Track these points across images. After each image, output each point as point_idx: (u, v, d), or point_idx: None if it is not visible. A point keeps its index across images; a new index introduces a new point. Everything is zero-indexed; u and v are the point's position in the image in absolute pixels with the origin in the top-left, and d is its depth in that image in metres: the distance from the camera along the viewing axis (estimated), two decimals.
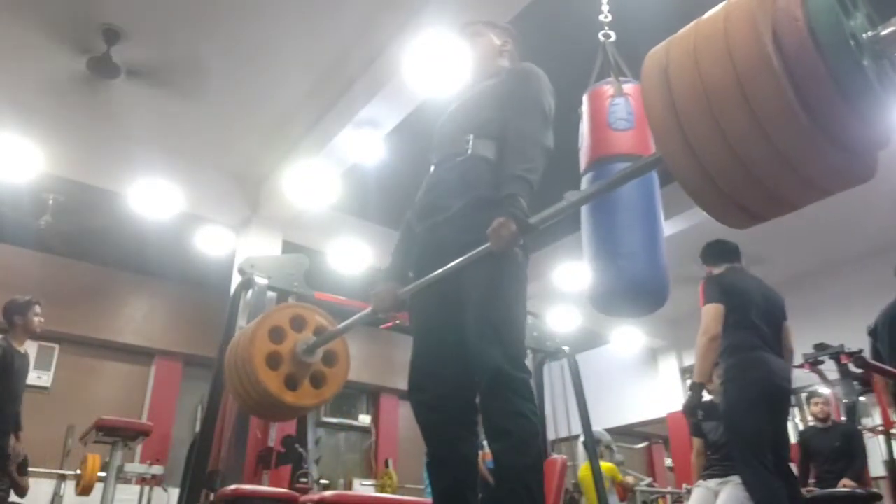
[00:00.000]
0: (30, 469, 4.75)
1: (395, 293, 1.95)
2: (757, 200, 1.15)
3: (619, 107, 2.51)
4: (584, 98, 2.66)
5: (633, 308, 2.41)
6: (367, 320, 2.09)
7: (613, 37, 2.82)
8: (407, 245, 2.05)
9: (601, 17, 2.89)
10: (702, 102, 1.08)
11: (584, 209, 2.50)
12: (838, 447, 4.55)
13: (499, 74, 2.14)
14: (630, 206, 2.36)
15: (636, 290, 2.28)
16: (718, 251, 3.40)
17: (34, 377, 6.98)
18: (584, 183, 2.50)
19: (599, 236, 2.36)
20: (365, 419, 9.14)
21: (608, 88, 2.57)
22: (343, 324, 2.16)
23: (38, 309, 4.16)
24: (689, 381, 3.55)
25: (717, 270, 3.33)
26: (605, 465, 5.69)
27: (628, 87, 2.58)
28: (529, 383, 1.69)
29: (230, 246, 5.94)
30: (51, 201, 6.00)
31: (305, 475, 4.61)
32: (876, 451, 4.64)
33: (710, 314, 3.06)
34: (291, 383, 2.15)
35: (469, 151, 1.91)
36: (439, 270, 1.76)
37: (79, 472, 5.21)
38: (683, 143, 1.13)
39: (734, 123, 1.05)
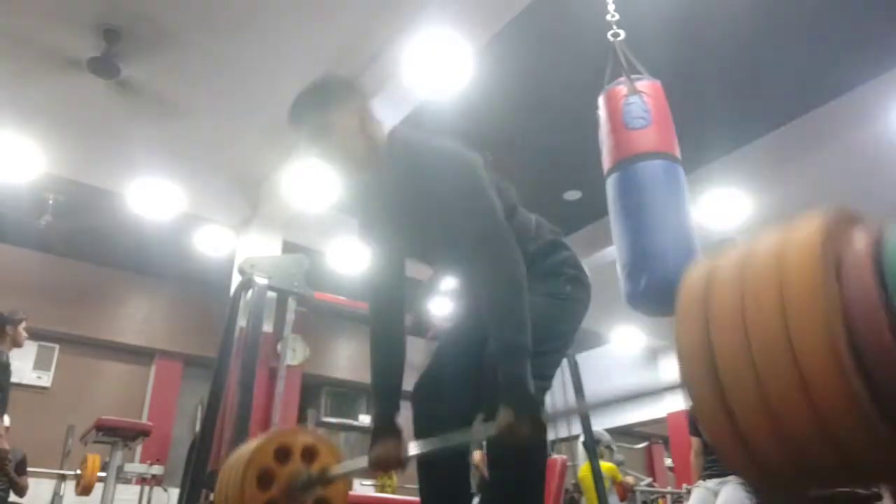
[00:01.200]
0: (29, 469, 4.76)
1: (398, 455, 1.61)
2: (797, 478, 0.97)
3: (633, 106, 2.51)
4: (600, 100, 2.65)
5: (669, 307, 2.41)
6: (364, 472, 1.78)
7: (623, 35, 2.81)
8: (392, 387, 1.72)
9: (608, 17, 2.87)
10: (749, 374, 0.90)
11: (612, 211, 2.49)
12: None
13: (388, 165, 1.63)
14: (658, 204, 2.35)
15: (670, 289, 2.28)
16: None
17: (34, 377, 7.01)
18: (609, 185, 2.50)
19: (630, 237, 2.36)
20: (365, 419, 9.14)
21: (622, 88, 2.57)
22: (342, 470, 1.85)
23: (25, 324, 4.26)
24: None
25: None
26: (605, 465, 5.68)
27: (642, 84, 2.57)
28: (544, 397, 1.59)
29: (230, 246, 5.94)
30: (51, 201, 6.00)
31: None
32: None
33: None
34: None
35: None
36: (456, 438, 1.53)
37: (79, 472, 5.21)
38: (722, 409, 0.94)
39: (790, 414, 0.87)
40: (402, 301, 1.79)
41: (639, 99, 2.51)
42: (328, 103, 1.61)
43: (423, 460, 1.69)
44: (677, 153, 2.50)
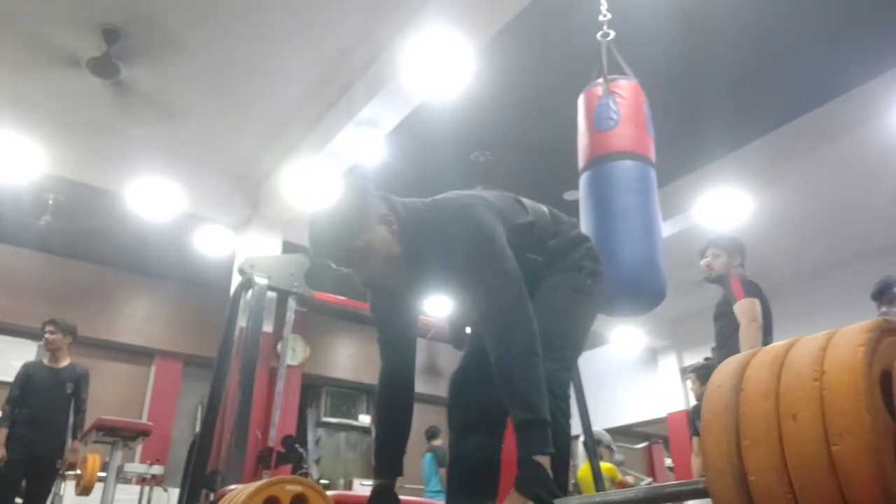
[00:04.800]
0: None
1: None
2: None
3: (604, 107, 2.53)
4: (579, 100, 2.67)
5: (631, 307, 2.42)
6: None
7: (612, 35, 2.81)
8: (397, 450, 1.72)
9: (600, 17, 2.87)
10: (784, 493, 0.86)
11: (580, 211, 2.52)
12: None
13: (413, 245, 1.61)
14: (618, 204, 2.38)
15: (632, 288, 2.30)
16: (742, 247, 3.48)
17: None
18: (580, 185, 2.53)
19: (596, 237, 2.38)
20: (365, 419, 9.14)
21: (598, 89, 2.60)
22: None
23: (46, 328, 4.58)
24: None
25: (735, 264, 3.38)
26: (603, 466, 5.67)
27: (618, 85, 2.59)
28: (567, 383, 1.64)
29: (230, 246, 5.94)
30: (51, 201, 6.00)
31: (305, 475, 4.61)
32: None
33: (756, 307, 3.18)
34: None
35: None
36: None
37: (79, 472, 5.21)
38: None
39: None
40: (413, 362, 1.78)
41: (610, 100, 2.53)
42: (358, 226, 1.54)
43: (455, 458, 1.73)
44: (649, 154, 2.51)
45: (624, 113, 2.50)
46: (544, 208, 1.80)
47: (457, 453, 1.74)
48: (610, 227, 2.36)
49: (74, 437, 4.47)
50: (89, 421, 4.80)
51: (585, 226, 2.45)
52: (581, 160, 2.57)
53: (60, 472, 4.48)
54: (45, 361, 4.57)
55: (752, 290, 3.24)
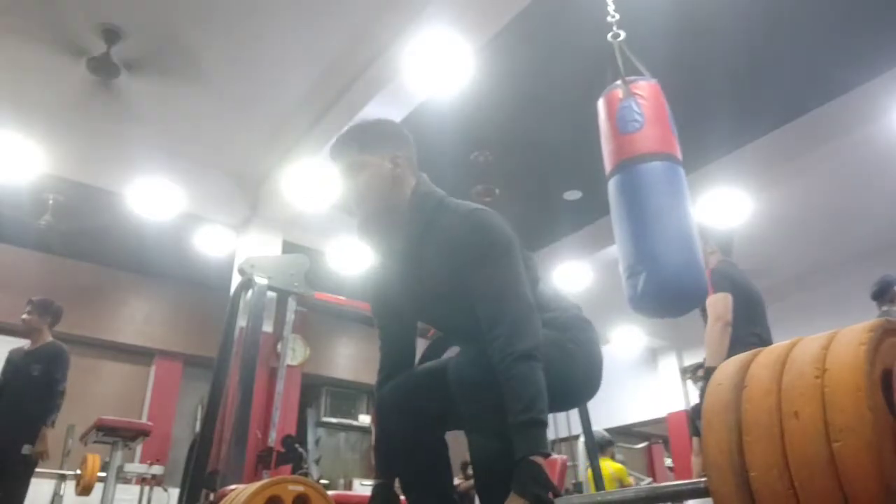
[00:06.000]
0: None
1: None
2: None
3: (627, 109, 2.52)
4: (599, 104, 2.66)
5: (674, 308, 2.41)
6: None
7: (623, 35, 2.80)
8: (392, 448, 1.69)
9: (609, 18, 2.86)
10: (785, 489, 0.85)
11: (612, 215, 2.51)
12: None
13: (419, 215, 1.60)
14: (654, 206, 2.36)
15: (675, 291, 2.29)
16: (727, 239, 3.43)
17: None
18: (609, 189, 2.52)
19: (627, 240, 2.37)
20: (365, 419, 9.13)
21: (618, 92, 2.58)
22: None
23: (26, 308, 4.43)
24: (698, 373, 3.55)
25: (709, 251, 3.34)
26: (614, 466, 5.69)
27: (638, 86, 2.58)
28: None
29: (230, 246, 5.94)
30: (51, 201, 6.00)
31: (305, 475, 4.61)
32: None
33: (724, 302, 3.10)
34: None
35: None
36: None
37: (79, 472, 5.22)
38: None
39: None
40: (413, 360, 1.78)
41: (632, 102, 2.51)
42: (367, 143, 1.63)
43: (404, 447, 1.66)
44: (676, 153, 2.50)
45: (647, 114, 2.49)
46: (554, 284, 1.77)
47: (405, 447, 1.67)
48: (647, 230, 2.34)
49: (44, 423, 4.12)
50: (90, 420, 4.79)
51: (619, 230, 2.43)
52: (608, 164, 2.56)
53: (29, 459, 4.05)
54: (26, 345, 4.39)
55: (723, 280, 3.15)
